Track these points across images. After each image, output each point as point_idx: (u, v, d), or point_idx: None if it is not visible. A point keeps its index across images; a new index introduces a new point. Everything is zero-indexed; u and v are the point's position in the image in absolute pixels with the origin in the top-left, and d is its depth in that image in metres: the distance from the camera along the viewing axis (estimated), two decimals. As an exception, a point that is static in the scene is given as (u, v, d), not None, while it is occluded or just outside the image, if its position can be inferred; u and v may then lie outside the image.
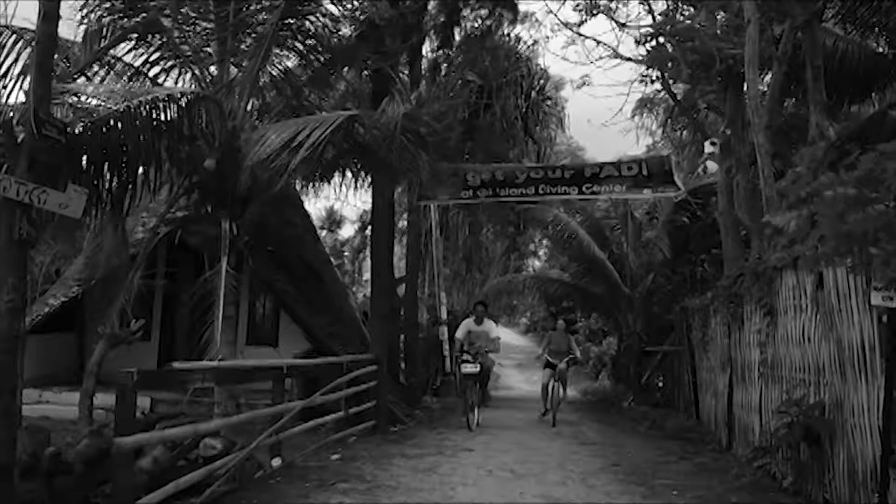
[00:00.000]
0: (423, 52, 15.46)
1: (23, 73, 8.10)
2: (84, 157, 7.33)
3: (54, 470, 5.20)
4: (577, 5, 15.01)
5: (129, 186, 8.04)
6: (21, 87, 7.73)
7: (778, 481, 7.13)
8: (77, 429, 6.07)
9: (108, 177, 7.87)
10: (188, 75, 9.87)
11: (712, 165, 13.55)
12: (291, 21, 10.10)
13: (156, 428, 6.66)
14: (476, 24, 16.61)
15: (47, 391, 12.01)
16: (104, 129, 7.32)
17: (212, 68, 9.82)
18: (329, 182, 10.21)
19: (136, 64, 9.79)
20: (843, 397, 5.89)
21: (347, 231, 38.22)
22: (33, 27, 6.67)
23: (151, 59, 9.81)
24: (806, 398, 6.62)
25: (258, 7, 9.92)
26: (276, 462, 7.66)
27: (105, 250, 9.11)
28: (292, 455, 8.06)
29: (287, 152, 7.79)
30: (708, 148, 12.35)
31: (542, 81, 18.31)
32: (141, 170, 8.16)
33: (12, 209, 5.16)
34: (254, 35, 9.98)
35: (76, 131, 7.18)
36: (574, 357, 13.26)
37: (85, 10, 9.07)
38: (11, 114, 6.72)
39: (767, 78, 11.56)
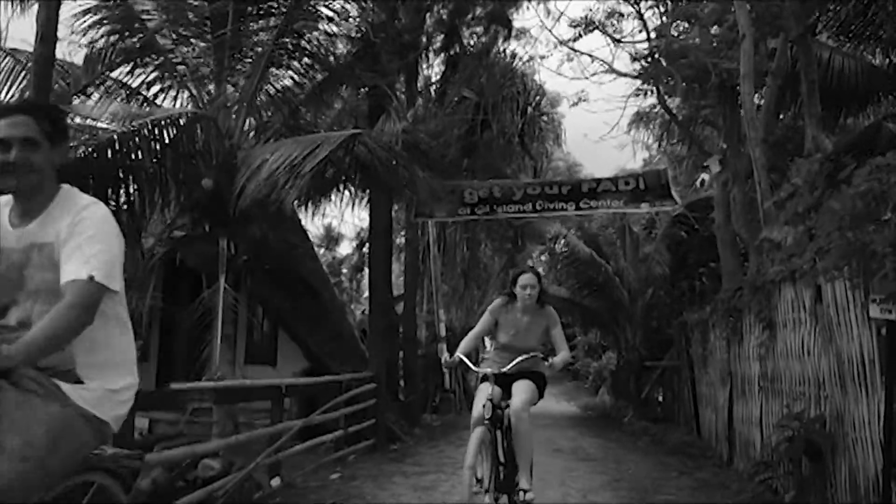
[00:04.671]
0: (420, 70, 15.54)
1: (22, 94, 8.15)
2: (89, 180, 7.38)
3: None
4: (573, 22, 15.16)
5: (135, 207, 8.09)
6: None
7: (780, 496, 7.08)
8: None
9: (111, 198, 7.92)
10: (185, 95, 9.91)
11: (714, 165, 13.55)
12: (288, 40, 10.15)
13: (154, 449, 6.61)
14: (472, 42, 16.71)
15: (45, 413, 11.92)
16: (108, 151, 7.37)
17: (209, 87, 9.86)
18: (328, 200, 10.24)
19: (134, 84, 9.85)
20: (843, 411, 5.87)
21: (345, 248, 38.25)
22: (30, 49, 6.72)
23: (149, 79, 9.87)
24: (806, 412, 6.60)
25: (255, 28, 9.96)
26: (276, 482, 7.61)
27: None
28: (291, 475, 8.02)
29: (291, 175, 7.81)
30: (714, 167, 12.35)
31: (538, 97, 18.42)
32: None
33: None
34: (251, 54, 10.02)
35: (80, 154, 7.23)
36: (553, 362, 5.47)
37: (82, 33, 9.11)
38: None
39: (763, 91, 11.61)
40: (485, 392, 5.26)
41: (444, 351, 16.65)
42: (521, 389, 5.40)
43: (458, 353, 5.42)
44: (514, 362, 5.29)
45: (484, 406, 5.09)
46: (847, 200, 4.36)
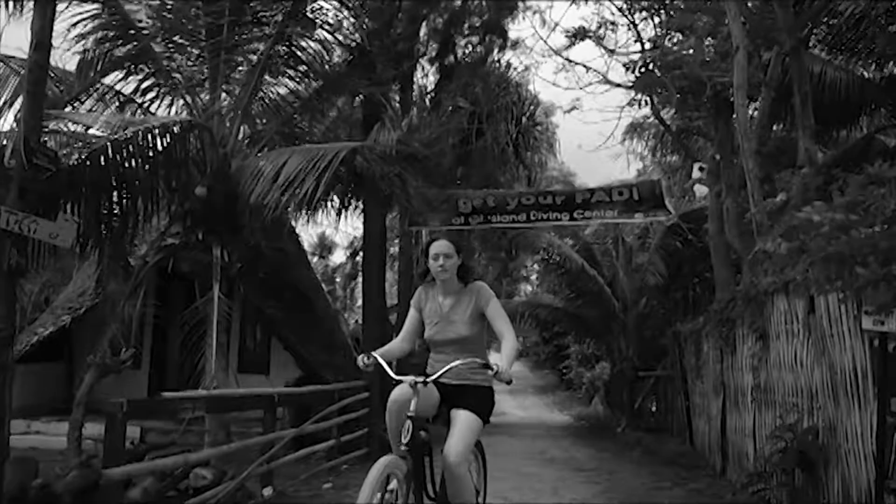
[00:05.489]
0: (415, 79, 15.58)
1: (12, 101, 8.13)
2: (82, 187, 7.36)
3: (42, 502, 5.13)
4: (568, 32, 15.23)
5: (128, 215, 8.08)
6: (6, 115, 7.77)
7: (773, 507, 7.10)
8: (65, 460, 6.00)
9: (104, 206, 7.91)
10: (180, 102, 9.90)
11: (700, 190, 13.64)
12: (282, 48, 10.16)
13: (146, 458, 6.58)
14: (467, 51, 16.76)
15: (36, 421, 11.87)
16: (101, 159, 7.36)
17: (203, 95, 9.85)
18: (323, 209, 10.24)
19: (128, 92, 9.85)
20: (836, 422, 5.88)
21: (339, 257, 38.27)
22: (24, 56, 6.70)
23: (143, 86, 9.86)
24: (799, 423, 6.60)
25: (249, 36, 9.97)
26: (268, 491, 7.58)
27: (104, 275, 9.07)
28: (284, 484, 7.99)
29: (291, 190, 7.82)
30: (696, 173, 12.42)
31: (532, 107, 18.48)
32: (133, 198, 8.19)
33: (1, 239, 5.14)
34: (246, 62, 10.02)
35: (73, 161, 7.22)
36: (500, 371, 3.90)
37: (76, 40, 9.09)
38: (4, 142, 6.74)
39: (756, 103, 11.65)
40: (400, 402, 4.02)
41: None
42: (459, 428, 4.04)
43: (375, 353, 4.15)
44: (439, 372, 4.03)
45: (404, 427, 3.89)
46: (825, 212, 4.37)
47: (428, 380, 3.99)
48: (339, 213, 10.96)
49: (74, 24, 9.06)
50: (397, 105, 13.68)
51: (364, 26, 12.04)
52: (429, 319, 4.44)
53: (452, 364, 4.00)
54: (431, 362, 4.42)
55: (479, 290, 4.35)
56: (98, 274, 8.85)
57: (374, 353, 4.13)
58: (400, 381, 4.03)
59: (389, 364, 4.12)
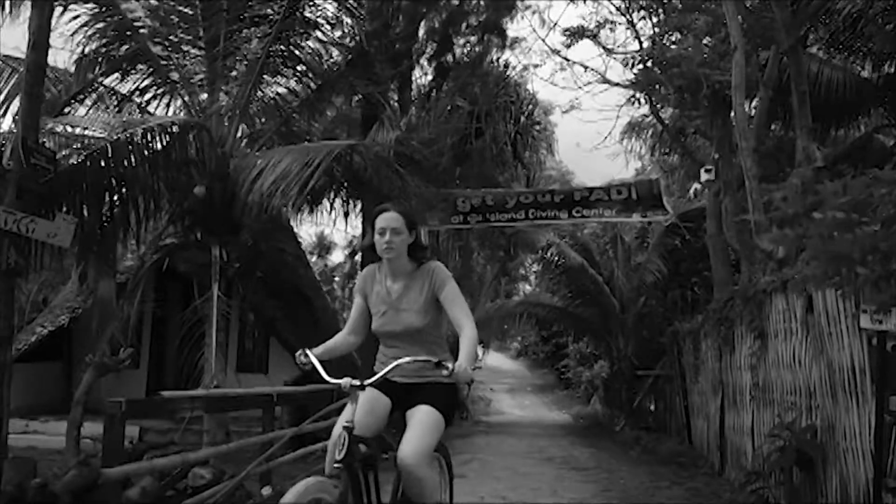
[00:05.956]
0: (414, 78, 15.58)
1: (9, 100, 8.14)
2: (81, 187, 7.38)
3: (40, 501, 5.13)
4: (567, 31, 15.23)
5: (127, 215, 8.09)
6: (4, 114, 7.79)
7: (771, 506, 7.10)
8: (64, 459, 6.00)
9: (105, 206, 7.93)
10: (178, 102, 9.90)
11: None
12: (281, 47, 10.15)
13: (144, 458, 6.58)
14: (466, 51, 16.76)
15: (34, 421, 11.87)
16: (101, 160, 7.38)
17: (202, 94, 9.85)
18: (319, 209, 10.24)
19: (126, 91, 9.85)
20: (834, 420, 5.88)
21: (338, 256, 38.26)
22: (22, 55, 6.70)
23: (141, 86, 9.86)
24: (797, 421, 6.60)
25: (247, 35, 9.97)
26: (267, 491, 7.56)
27: (88, 276, 9.05)
28: (283, 483, 7.96)
29: (288, 186, 7.82)
30: (703, 175, 12.38)
31: (531, 106, 18.46)
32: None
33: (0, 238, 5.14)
34: (244, 62, 10.02)
35: (73, 162, 7.24)
36: (457, 370, 3.17)
37: (75, 39, 9.10)
38: (2, 142, 6.74)
39: (754, 102, 11.66)
40: (344, 415, 3.29)
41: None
42: (418, 423, 3.42)
43: (309, 350, 3.54)
44: (381, 373, 3.39)
45: (339, 440, 3.21)
46: (828, 209, 4.38)
47: (366, 383, 3.31)
48: (332, 209, 10.96)
49: (74, 33, 9.09)
50: (396, 105, 13.66)
51: (362, 26, 12.04)
52: (375, 308, 3.75)
53: (395, 363, 3.34)
54: (380, 358, 3.76)
55: (433, 272, 3.66)
56: (80, 273, 8.83)
57: (306, 350, 3.52)
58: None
59: (331, 363, 3.52)
